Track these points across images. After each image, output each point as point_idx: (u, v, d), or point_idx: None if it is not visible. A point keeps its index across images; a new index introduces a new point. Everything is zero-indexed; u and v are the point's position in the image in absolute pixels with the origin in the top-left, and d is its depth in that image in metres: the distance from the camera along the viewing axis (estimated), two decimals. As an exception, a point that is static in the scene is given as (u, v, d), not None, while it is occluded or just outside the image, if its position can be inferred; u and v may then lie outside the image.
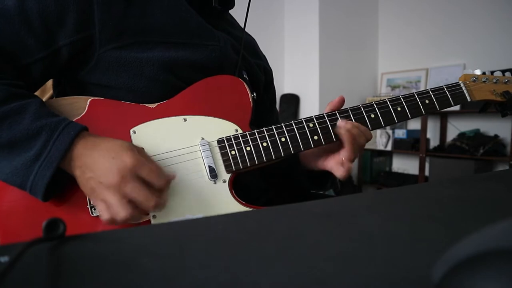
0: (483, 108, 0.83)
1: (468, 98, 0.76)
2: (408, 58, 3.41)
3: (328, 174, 0.78)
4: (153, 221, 0.62)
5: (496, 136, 2.78)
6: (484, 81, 0.78)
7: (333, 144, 0.72)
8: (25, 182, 0.55)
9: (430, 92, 0.75)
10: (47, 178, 0.55)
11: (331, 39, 3.30)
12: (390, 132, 3.30)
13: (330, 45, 3.30)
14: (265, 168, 0.85)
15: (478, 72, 0.80)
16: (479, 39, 2.90)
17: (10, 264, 0.22)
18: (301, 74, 3.41)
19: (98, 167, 0.54)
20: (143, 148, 0.62)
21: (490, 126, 2.87)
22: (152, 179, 0.55)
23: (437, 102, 0.75)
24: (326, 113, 0.72)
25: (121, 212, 0.53)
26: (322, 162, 0.75)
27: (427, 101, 0.74)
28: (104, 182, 0.54)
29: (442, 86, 0.76)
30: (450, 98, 0.75)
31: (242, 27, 0.86)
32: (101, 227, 0.61)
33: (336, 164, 0.72)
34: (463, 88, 0.77)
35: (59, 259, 0.26)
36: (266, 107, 0.94)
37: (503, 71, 0.81)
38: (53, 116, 0.59)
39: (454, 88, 0.76)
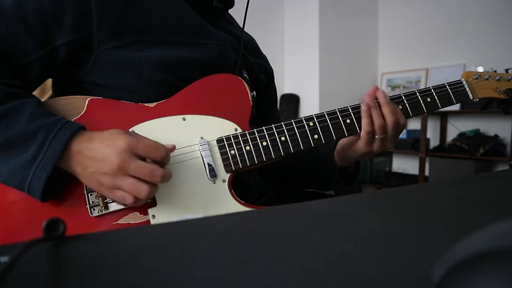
0: (485, 105, 0.82)
1: (470, 96, 0.75)
2: (408, 58, 3.41)
3: (357, 171, 0.84)
4: (152, 221, 0.62)
5: (496, 136, 2.78)
6: (487, 79, 0.77)
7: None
8: (23, 184, 0.56)
9: (432, 90, 0.74)
10: (43, 179, 0.55)
11: (331, 39, 3.30)
12: (390, 132, 3.30)
13: (330, 45, 3.30)
14: (284, 171, 0.88)
15: (480, 69, 0.79)
16: (479, 39, 2.90)
17: (10, 264, 0.22)
18: (301, 74, 3.41)
19: (97, 160, 0.55)
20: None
21: (490, 126, 2.86)
22: (150, 153, 0.56)
23: (439, 100, 0.74)
24: (326, 112, 0.72)
25: (143, 189, 0.55)
26: (355, 147, 0.76)
27: (428, 99, 0.74)
28: (108, 171, 0.54)
29: (444, 83, 0.75)
30: (452, 96, 0.75)
31: (242, 27, 0.86)
32: (100, 227, 0.61)
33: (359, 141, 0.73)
34: (466, 85, 0.76)
35: (59, 259, 0.26)
36: (266, 106, 0.94)
37: (506, 70, 0.80)
38: (50, 116, 0.59)
39: (457, 86, 0.75)
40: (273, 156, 0.68)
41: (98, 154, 0.55)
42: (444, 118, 3.13)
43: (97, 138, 0.56)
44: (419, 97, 0.73)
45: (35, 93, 0.74)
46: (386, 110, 0.70)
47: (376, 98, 0.72)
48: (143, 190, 0.55)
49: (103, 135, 0.57)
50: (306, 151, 0.71)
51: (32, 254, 0.26)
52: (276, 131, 0.69)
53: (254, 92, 0.77)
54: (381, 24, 3.65)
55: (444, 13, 3.13)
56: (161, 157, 0.57)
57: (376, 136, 0.71)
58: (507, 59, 2.70)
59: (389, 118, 0.70)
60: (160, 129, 0.66)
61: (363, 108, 0.70)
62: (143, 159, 0.56)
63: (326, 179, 0.83)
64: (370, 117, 0.70)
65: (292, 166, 0.88)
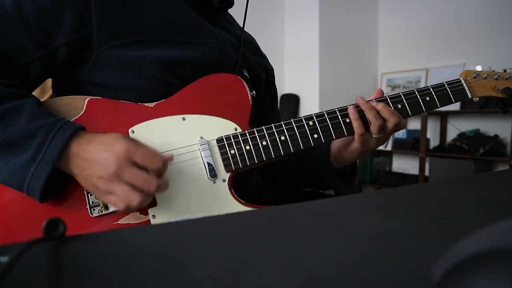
0: (484, 104, 0.82)
1: (469, 94, 0.76)
2: (408, 58, 3.41)
3: (355, 170, 0.85)
4: (152, 221, 0.62)
5: (496, 136, 2.77)
6: (485, 78, 0.77)
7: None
8: (22, 184, 0.56)
9: (431, 89, 0.75)
10: (42, 180, 0.55)
11: (331, 39, 3.30)
12: (390, 132, 3.30)
13: (330, 45, 3.29)
14: (283, 176, 0.88)
15: (479, 68, 0.79)
16: (479, 39, 2.90)
17: (10, 264, 0.22)
18: (301, 74, 3.41)
19: (94, 163, 0.55)
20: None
21: (490, 126, 2.86)
22: (147, 162, 0.55)
23: (437, 99, 0.74)
24: (325, 111, 0.72)
25: (134, 198, 0.54)
26: (351, 149, 0.76)
27: (427, 98, 0.74)
28: (103, 176, 0.54)
29: (443, 82, 0.76)
30: (451, 95, 0.75)
31: (241, 26, 0.86)
32: (100, 227, 0.61)
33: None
34: (464, 84, 0.76)
35: (59, 259, 0.26)
36: (267, 106, 0.94)
37: (504, 70, 0.80)
38: (49, 116, 0.59)
39: (455, 85, 0.76)
40: (273, 156, 0.68)
41: (95, 157, 0.55)
42: (444, 118, 3.13)
43: (96, 141, 0.56)
44: (418, 96, 0.74)
45: (35, 93, 0.74)
46: (385, 112, 0.70)
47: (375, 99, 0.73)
48: (134, 199, 0.54)
49: (103, 139, 0.56)
50: (303, 152, 0.71)
51: (32, 254, 0.26)
52: (276, 131, 0.69)
53: (254, 92, 0.77)
54: (381, 24, 3.65)
55: (444, 13, 3.13)
56: (158, 167, 0.56)
57: (374, 136, 0.71)
58: (507, 59, 2.70)
59: (390, 121, 0.70)
60: (160, 129, 0.66)
61: (351, 114, 0.70)
62: (143, 166, 0.56)
63: (324, 180, 0.83)
64: (360, 119, 0.70)
65: (291, 165, 0.88)
